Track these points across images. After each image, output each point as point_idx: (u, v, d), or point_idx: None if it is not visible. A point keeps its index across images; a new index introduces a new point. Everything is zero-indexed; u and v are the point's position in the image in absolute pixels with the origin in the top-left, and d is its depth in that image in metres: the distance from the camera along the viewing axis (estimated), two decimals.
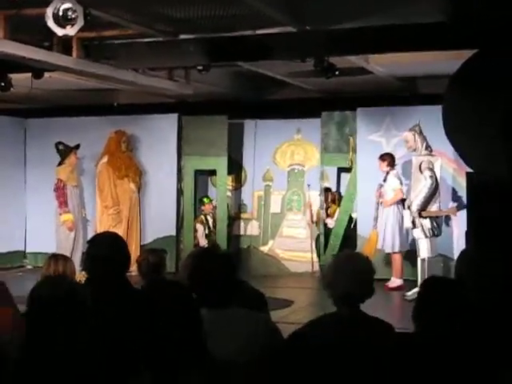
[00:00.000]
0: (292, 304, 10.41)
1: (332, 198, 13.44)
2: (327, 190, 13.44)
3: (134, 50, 9.36)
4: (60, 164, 12.65)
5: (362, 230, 12.58)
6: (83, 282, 4.45)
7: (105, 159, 13.40)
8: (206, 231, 13.70)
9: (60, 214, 12.30)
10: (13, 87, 10.43)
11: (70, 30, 7.00)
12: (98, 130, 13.76)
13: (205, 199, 13.82)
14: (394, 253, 11.55)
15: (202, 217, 13.79)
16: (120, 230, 12.69)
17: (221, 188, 13.78)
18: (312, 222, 13.37)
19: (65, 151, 12.65)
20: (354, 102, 12.83)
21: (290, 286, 12.36)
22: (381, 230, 11.62)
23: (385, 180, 11.70)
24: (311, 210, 13.40)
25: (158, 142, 13.72)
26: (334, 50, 8.77)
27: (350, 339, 3.74)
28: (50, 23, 6.91)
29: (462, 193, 10.93)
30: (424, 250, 10.75)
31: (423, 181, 10.82)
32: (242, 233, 14.06)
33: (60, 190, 12.35)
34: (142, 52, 9.36)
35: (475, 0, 7.30)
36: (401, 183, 11.66)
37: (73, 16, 6.88)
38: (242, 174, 14.16)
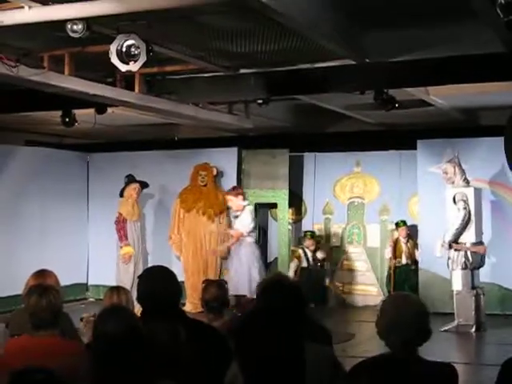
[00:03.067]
0: (353, 337, 10.31)
1: (407, 232, 12.85)
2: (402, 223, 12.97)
3: (194, 84, 9.47)
4: (121, 196, 12.74)
5: (425, 264, 12.43)
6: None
7: (181, 190, 13.47)
8: (305, 263, 13.39)
9: (121, 247, 12.40)
10: (77, 122, 10.64)
11: (133, 66, 7.11)
12: (158, 164, 13.92)
13: (308, 234, 13.50)
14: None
15: (300, 251, 13.45)
16: (185, 261, 12.85)
17: (282, 221, 13.76)
18: (394, 257, 12.81)
19: (125, 184, 12.77)
20: (413, 135, 12.74)
21: (351, 319, 12.26)
22: (237, 270, 11.19)
23: (237, 216, 11.11)
24: (395, 245, 12.82)
25: (218, 176, 13.79)
26: (393, 83, 8.74)
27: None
28: (114, 59, 7.03)
29: None
30: (456, 283, 10.81)
31: (456, 212, 10.83)
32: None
33: (120, 223, 12.45)
34: (202, 87, 9.47)
35: None
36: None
37: (136, 52, 6.99)
38: (302, 206, 14.13)
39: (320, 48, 7.85)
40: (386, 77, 8.48)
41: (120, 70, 7.31)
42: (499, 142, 9.83)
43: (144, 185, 12.82)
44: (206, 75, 9.26)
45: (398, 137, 13.12)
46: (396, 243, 12.80)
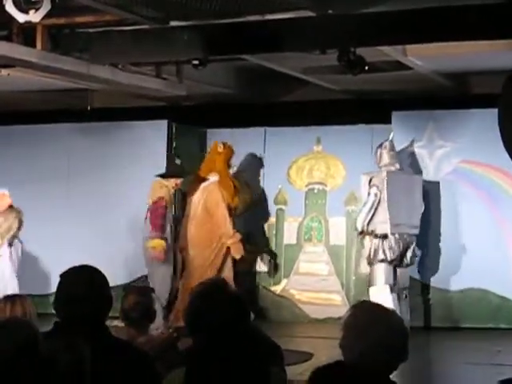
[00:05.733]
0: (311, 358, 10.39)
1: None
2: None
3: (112, 40, 9.42)
4: (165, 177, 12.25)
5: None
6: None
7: (215, 177, 12.71)
8: None
9: (151, 239, 11.82)
10: None
11: (34, 16, 7.05)
12: (67, 141, 13.80)
13: None
14: None
15: None
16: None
17: None
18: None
19: (177, 170, 12.43)
20: (387, 105, 12.84)
21: (309, 335, 12.33)
22: None
23: None
24: None
25: (143, 157, 13.68)
26: (362, 39, 8.79)
27: None
28: (9, 7, 6.96)
29: None
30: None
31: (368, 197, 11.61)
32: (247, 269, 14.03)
33: (160, 209, 11.96)
34: (122, 43, 9.42)
35: None
36: None
37: None
38: (248, 195, 14.12)
39: None
40: (353, 32, 8.52)
41: (17, 21, 7.24)
42: (494, 114, 9.96)
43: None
44: (126, 28, 9.22)
45: (369, 108, 13.19)
46: None
